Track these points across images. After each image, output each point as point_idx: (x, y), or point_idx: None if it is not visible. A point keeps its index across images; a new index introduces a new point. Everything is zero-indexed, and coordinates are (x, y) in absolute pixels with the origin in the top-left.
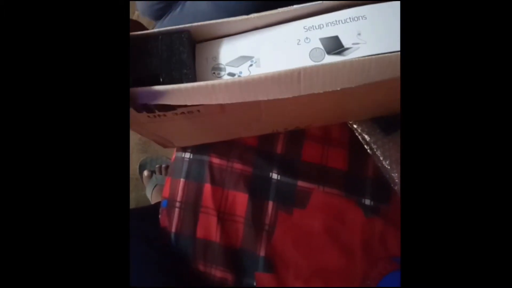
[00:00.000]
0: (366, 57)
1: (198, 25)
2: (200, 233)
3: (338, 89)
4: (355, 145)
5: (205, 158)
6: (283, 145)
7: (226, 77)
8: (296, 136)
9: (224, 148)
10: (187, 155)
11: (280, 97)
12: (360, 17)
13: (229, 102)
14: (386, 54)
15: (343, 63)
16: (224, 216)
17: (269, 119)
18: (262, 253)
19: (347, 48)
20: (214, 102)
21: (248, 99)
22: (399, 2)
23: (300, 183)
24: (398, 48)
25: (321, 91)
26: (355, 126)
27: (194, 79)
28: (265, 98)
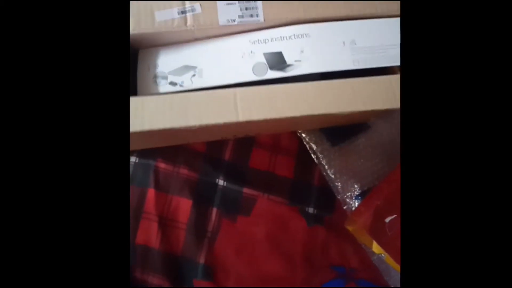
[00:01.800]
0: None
1: (139, 33)
2: (140, 239)
3: (279, 117)
4: (303, 154)
5: (151, 162)
6: (231, 151)
7: (167, 86)
8: (245, 143)
9: (171, 153)
10: (133, 159)
11: (214, 122)
12: (304, 35)
13: (156, 128)
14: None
15: (283, 87)
16: (166, 222)
17: (217, 129)
18: (202, 260)
19: (289, 65)
20: (139, 127)
21: (179, 124)
22: (339, 22)
23: (246, 190)
24: (335, 68)
25: (261, 118)
26: (303, 135)
27: None
28: (197, 123)
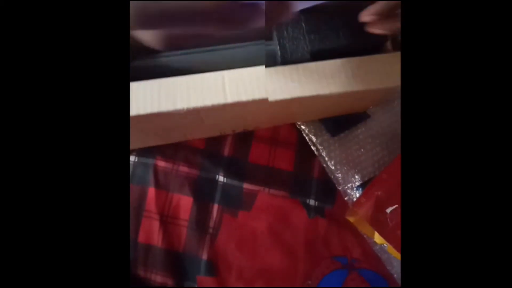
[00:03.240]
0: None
1: None
2: (142, 237)
3: (268, 97)
4: (302, 146)
5: (150, 161)
6: (230, 147)
7: None
8: (244, 138)
9: (171, 150)
10: (132, 158)
11: (203, 104)
12: None
13: (143, 113)
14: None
15: (273, 70)
16: (167, 220)
17: (213, 122)
18: (204, 256)
19: None
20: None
21: (167, 107)
22: None
23: (246, 185)
24: None
25: (250, 99)
26: (303, 127)
27: None
28: (185, 106)
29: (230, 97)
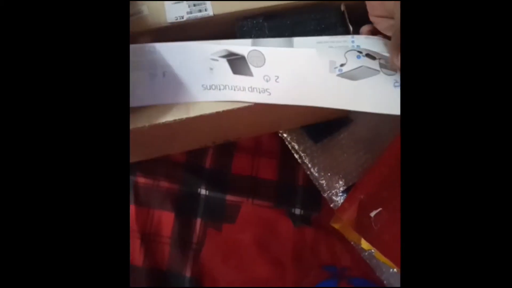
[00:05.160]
0: None
1: None
2: None
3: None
4: (286, 155)
5: (130, 178)
6: (212, 159)
7: None
8: (226, 149)
9: (150, 166)
10: None
11: (164, 120)
12: None
13: None
14: None
15: None
16: (149, 238)
17: (189, 136)
18: (188, 273)
19: None
20: None
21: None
22: None
23: (229, 197)
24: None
25: (213, 111)
26: (285, 135)
27: None
28: (147, 124)
29: (193, 112)
